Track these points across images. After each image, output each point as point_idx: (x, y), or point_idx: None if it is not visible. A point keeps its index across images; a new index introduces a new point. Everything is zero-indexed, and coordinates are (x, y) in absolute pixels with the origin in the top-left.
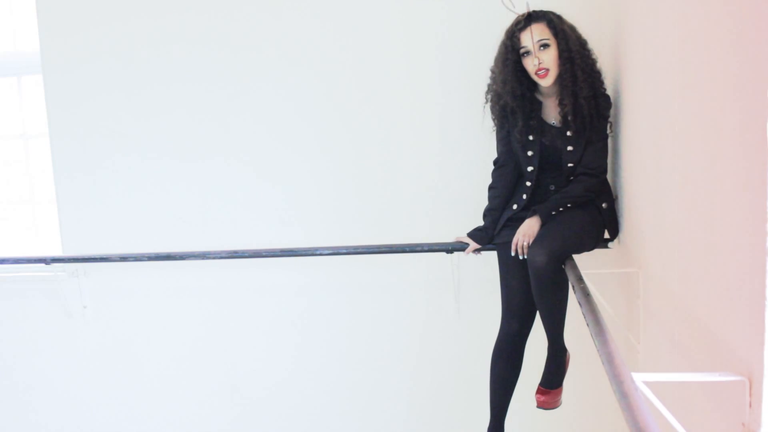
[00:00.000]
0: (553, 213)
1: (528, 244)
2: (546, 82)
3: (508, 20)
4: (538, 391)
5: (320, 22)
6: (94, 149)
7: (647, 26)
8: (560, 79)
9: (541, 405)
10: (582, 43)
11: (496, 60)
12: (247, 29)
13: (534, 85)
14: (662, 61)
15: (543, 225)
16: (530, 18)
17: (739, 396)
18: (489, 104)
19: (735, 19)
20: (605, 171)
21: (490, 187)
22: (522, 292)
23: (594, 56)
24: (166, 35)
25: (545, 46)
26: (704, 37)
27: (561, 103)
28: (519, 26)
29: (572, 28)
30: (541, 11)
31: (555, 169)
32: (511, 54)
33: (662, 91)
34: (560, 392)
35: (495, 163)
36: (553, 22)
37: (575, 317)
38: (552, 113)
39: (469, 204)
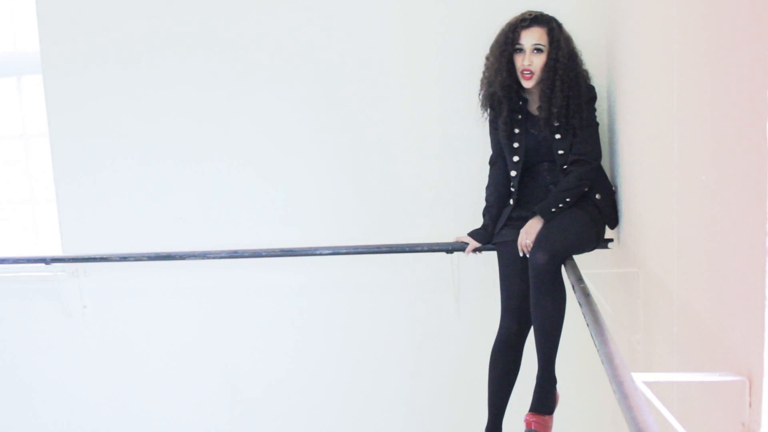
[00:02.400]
0: (554, 210)
1: (531, 242)
2: (528, 84)
3: (507, 21)
4: (529, 416)
5: (318, 23)
6: (94, 150)
7: (647, 21)
8: (541, 84)
9: (530, 427)
10: (572, 56)
11: (493, 48)
12: (246, 32)
13: (518, 82)
14: (662, 61)
15: (546, 223)
16: (535, 20)
17: (739, 396)
18: (481, 92)
19: (736, 16)
20: (598, 157)
21: (486, 187)
22: (521, 292)
23: (580, 68)
24: (165, 37)
25: (539, 50)
26: (705, 35)
27: (540, 107)
28: (524, 23)
29: (568, 40)
30: (548, 17)
31: (549, 161)
32: (508, 46)
33: (661, 92)
34: (551, 420)
35: (489, 162)
36: (554, 30)
37: (575, 317)
38: (537, 108)
39: (469, 204)
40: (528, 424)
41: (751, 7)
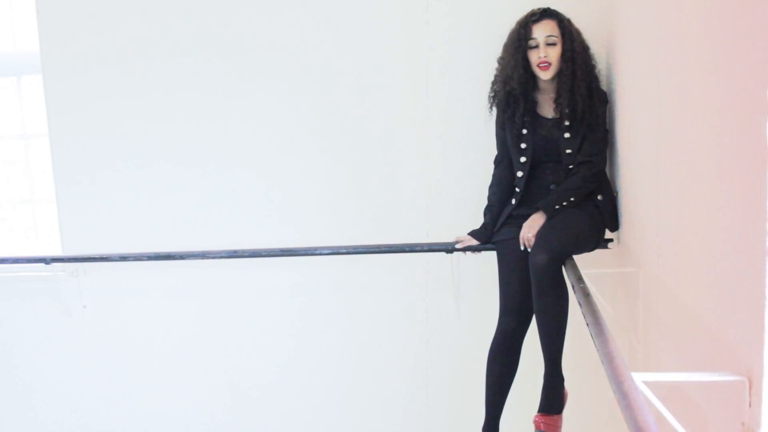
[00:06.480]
0: (557, 207)
1: (533, 236)
2: (545, 75)
3: (510, 20)
4: (538, 416)
5: (317, 23)
6: (94, 150)
7: (646, 23)
8: (559, 76)
9: (539, 428)
10: (585, 48)
11: (506, 47)
12: (246, 33)
13: (533, 80)
14: (662, 61)
15: (548, 219)
16: (544, 13)
17: (739, 396)
18: (495, 90)
19: (736, 17)
20: (604, 161)
21: (489, 186)
22: (520, 290)
23: (594, 61)
24: (165, 38)
25: (552, 43)
26: (705, 36)
27: (557, 100)
28: (534, 18)
29: (578, 33)
30: (555, 10)
31: (554, 162)
32: (522, 42)
33: (661, 92)
34: (561, 419)
35: (494, 162)
36: (563, 22)
37: (575, 317)
38: (548, 109)
39: (469, 204)
40: (537, 425)
41: (751, 8)
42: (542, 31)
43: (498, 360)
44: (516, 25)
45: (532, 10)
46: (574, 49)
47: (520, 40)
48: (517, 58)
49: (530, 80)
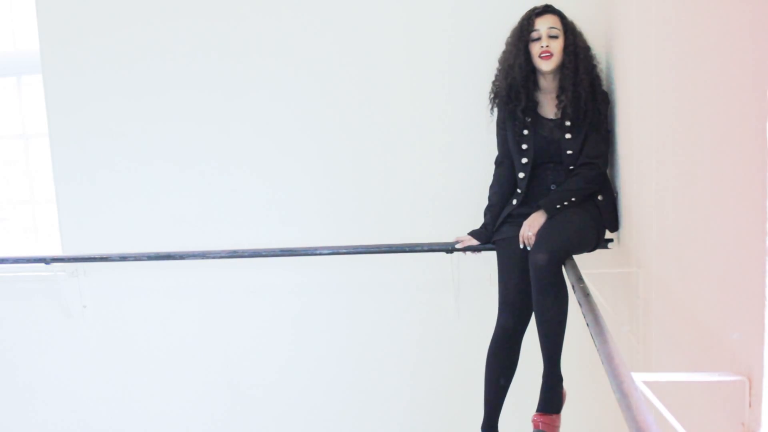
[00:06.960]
0: (558, 207)
1: (533, 234)
2: (547, 65)
3: (511, 20)
4: (536, 415)
5: (318, 23)
6: (94, 150)
7: (646, 23)
8: (562, 70)
9: (537, 427)
10: (587, 46)
11: (509, 40)
12: (246, 32)
13: (533, 75)
14: (662, 61)
15: (549, 218)
16: (547, 8)
17: (739, 396)
18: (496, 87)
19: (736, 17)
20: (606, 163)
21: (490, 186)
22: (519, 287)
23: (596, 61)
24: (165, 38)
25: (555, 36)
26: (705, 36)
27: (559, 97)
28: (536, 11)
29: (581, 33)
30: (557, 8)
31: (554, 162)
32: (524, 33)
33: (661, 92)
34: (559, 419)
35: (495, 162)
36: (566, 19)
37: (575, 317)
38: (549, 109)
39: (469, 204)
40: (535, 424)
41: (751, 8)
42: (545, 23)
43: (497, 358)
44: (519, 20)
45: (535, 6)
46: (577, 44)
47: (522, 31)
48: (519, 47)
49: (531, 75)
